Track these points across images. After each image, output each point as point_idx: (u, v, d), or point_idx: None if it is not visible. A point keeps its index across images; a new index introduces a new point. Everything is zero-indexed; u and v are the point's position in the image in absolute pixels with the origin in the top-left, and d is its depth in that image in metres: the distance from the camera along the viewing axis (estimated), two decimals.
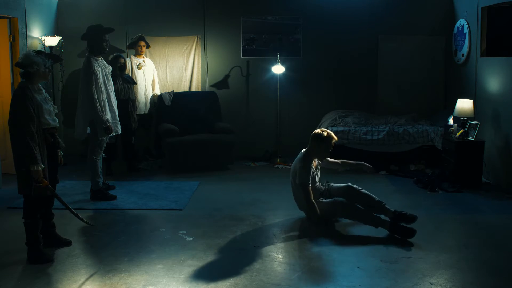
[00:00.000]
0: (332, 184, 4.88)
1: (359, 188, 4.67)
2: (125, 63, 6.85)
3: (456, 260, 3.89)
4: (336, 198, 4.57)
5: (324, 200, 4.69)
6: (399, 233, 4.31)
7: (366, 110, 7.87)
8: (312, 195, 4.55)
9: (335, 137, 4.68)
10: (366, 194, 4.61)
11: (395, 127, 7.09)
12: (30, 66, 3.85)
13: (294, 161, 4.81)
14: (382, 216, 4.49)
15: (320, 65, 7.95)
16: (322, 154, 4.70)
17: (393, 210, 4.49)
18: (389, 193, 5.73)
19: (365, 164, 4.97)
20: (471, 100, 6.26)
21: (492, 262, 3.87)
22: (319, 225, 4.62)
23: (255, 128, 7.99)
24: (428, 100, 7.92)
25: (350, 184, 4.73)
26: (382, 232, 4.43)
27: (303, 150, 4.79)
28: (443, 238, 4.37)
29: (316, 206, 4.54)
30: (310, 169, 4.62)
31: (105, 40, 5.54)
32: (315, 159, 4.77)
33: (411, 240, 4.26)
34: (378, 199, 4.58)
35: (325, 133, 4.62)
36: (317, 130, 4.70)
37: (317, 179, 4.79)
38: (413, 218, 4.41)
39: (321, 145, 4.62)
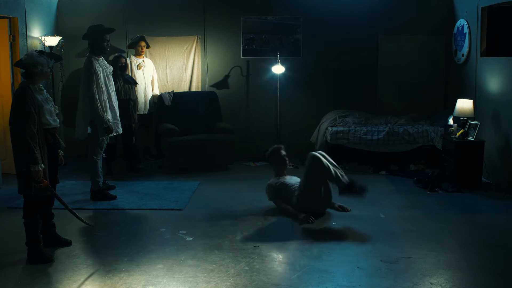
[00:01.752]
0: None
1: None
2: (126, 63, 6.86)
3: (456, 260, 3.89)
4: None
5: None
6: (352, 190, 4.59)
7: (366, 110, 7.86)
8: (281, 204, 5.05)
9: (281, 146, 5.33)
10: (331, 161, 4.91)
11: (395, 127, 7.08)
12: (34, 66, 3.85)
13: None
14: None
15: (320, 65, 7.95)
16: (281, 165, 5.24)
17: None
18: (389, 193, 5.73)
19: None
20: (471, 100, 6.26)
21: (492, 262, 3.87)
22: (307, 218, 4.76)
23: (255, 128, 7.99)
24: (428, 100, 7.92)
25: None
26: (382, 232, 4.45)
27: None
28: (443, 238, 4.37)
29: (289, 208, 4.95)
30: (273, 187, 5.12)
31: (106, 40, 5.54)
32: (284, 172, 5.28)
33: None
34: (339, 167, 4.88)
35: (270, 150, 5.31)
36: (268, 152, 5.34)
37: (290, 186, 5.06)
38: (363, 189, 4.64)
39: (275, 160, 5.24)
